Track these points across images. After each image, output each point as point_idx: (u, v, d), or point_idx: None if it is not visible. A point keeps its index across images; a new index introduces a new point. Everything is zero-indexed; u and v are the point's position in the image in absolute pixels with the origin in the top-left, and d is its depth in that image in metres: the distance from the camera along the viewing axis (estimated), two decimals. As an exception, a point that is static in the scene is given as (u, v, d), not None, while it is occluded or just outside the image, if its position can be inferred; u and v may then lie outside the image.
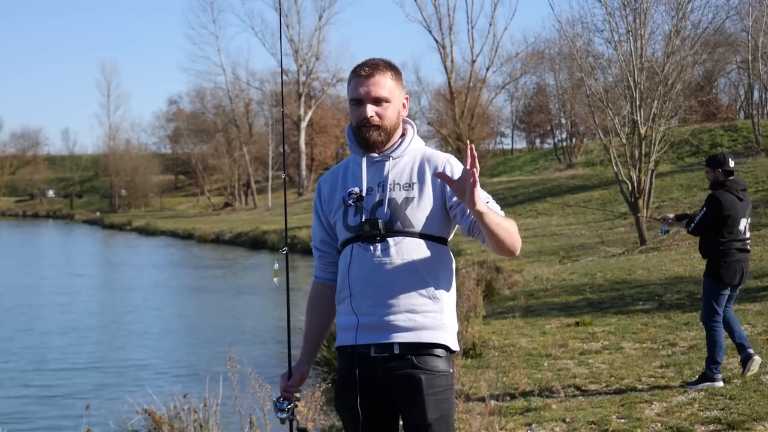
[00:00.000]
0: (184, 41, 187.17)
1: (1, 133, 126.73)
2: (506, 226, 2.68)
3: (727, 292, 6.64)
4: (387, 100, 2.84)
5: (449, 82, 40.90)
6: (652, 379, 6.96)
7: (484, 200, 2.67)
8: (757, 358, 6.64)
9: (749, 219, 6.76)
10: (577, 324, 10.05)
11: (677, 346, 8.29)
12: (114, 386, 10.80)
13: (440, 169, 2.83)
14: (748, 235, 6.72)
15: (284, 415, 2.92)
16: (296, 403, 2.96)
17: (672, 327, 9.32)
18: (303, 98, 63.05)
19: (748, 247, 6.72)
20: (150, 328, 15.85)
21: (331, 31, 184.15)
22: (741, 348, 6.66)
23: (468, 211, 2.74)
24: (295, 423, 2.95)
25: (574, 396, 6.68)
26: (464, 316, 9.71)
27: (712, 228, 6.61)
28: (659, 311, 10.48)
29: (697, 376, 6.70)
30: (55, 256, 35.32)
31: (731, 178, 6.72)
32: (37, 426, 9.31)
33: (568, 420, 5.92)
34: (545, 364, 8.02)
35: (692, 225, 6.71)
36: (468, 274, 13.15)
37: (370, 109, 2.82)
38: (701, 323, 6.85)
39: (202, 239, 42.09)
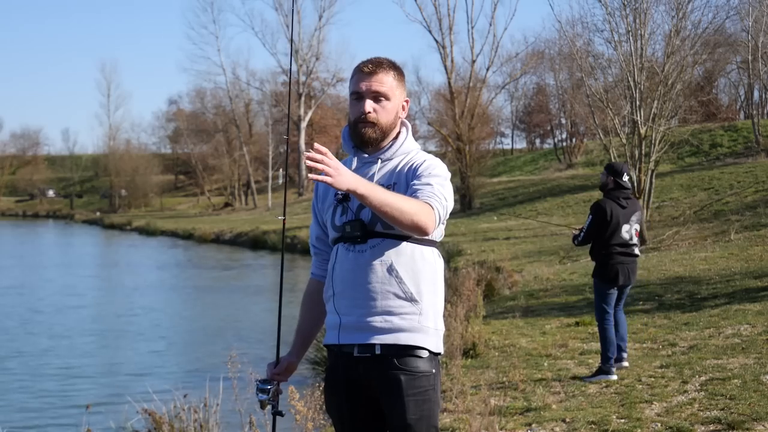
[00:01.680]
0: (184, 41, 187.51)
1: (1, 133, 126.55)
2: (397, 206, 2.59)
3: (614, 291, 7.27)
4: (387, 98, 2.84)
5: (449, 82, 40.85)
6: (652, 379, 6.96)
7: (372, 186, 2.57)
8: (625, 364, 7.31)
9: (637, 225, 7.28)
10: (577, 324, 10.06)
11: (677, 346, 8.29)
12: (114, 386, 10.80)
13: (413, 168, 2.82)
14: (634, 240, 7.29)
15: (264, 397, 2.90)
16: (279, 388, 2.95)
17: (672, 327, 9.32)
18: (303, 98, 63.04)
19: (634, 251, 7.30)
20: (150, 329, 15.85)
21: (331, 31, 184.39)
22: (618, 348, 7.32)
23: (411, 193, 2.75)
24: (275, 406, 2.93)
25: (574, 396, 6.68)
26: (464, 316, 9.71)
27: (598, 233, 7.19)
28: (659, 311, 10.49)
29: (594, 370, 7.30)
30: (55, 256, 35.31)
31: (619, 190, 7.27)
32: (37, 426, 9.30)
33: (568, 420, 5.92)
34: (545, 364, 8.02)
35: (579, 237, 7.32)
36: (468, 274, 13.15)
37: (369, 105, 2.82)
38: (596, 322, 7.48)
39: (202, 239, 42.11)
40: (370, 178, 2.84)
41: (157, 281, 24.40)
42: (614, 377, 7.09)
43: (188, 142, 78.11)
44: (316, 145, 2.51)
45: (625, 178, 7.30)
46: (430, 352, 2.82)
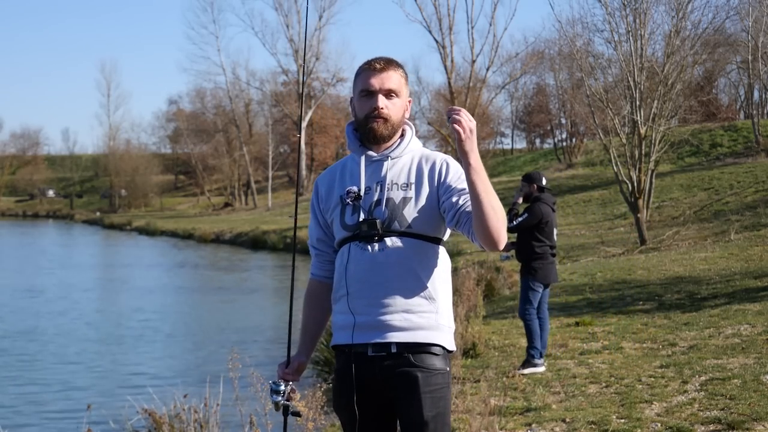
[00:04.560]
0: (184, 41, 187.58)
1: (1, 133, 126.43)
2: (494, 201, 2.62)
3: (541, 289, 7.78)
4: (397, 95, 2.86)
5: (449, 82, 40.80)
6: (652, 379, 6.96)
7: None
8: (540, 370, 7.56)
9: (556, 228, 7.97)
10: (577, 324, 10.06)
11: (677, 346, 8.29)
12: (114, 386, 10.80)
13: (437, 168, 2.83)
14: (556, 242, 7.96)
15: (279, 398, 2.87)
16: (293, 388, 2.92)
17: (672, 327, 9.33)
18: (303, 98, 63.01)
19: (555, 251, 8.01)
20: (150, 329, 15.84)
21: (331, 31, 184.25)
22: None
23: (457, 200, 2.74)
24: (290, 407, 2.89)
25: (574, 396, 6.69)
26: (464, 316, 9.72)
27: (530, 233, 7.65)
28: (659, 311, 10.49)
29: (523, 362, 7.70)
30: (55, 256, 35.30)
31: (545, 193, 7.83)
32: (38, 425, 9.31)
33: (568, 420, 5.92)
34: (545, 364, 8.02)
35: (514, 223, 7.70)
36: (468, 274, 13.15)
37: (382, 100, 2.83)
38: (519, 317, 7.97)
39: (202, 239, 42.11)
40: (382, 177, 2.84)
41: (157, 281, 24.39)
42: (542, 369, 7.57)
43: (188, 142, 78.12)
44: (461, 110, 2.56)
45: (544, 181, 7.86)
46: (444, 349, 2.83)
